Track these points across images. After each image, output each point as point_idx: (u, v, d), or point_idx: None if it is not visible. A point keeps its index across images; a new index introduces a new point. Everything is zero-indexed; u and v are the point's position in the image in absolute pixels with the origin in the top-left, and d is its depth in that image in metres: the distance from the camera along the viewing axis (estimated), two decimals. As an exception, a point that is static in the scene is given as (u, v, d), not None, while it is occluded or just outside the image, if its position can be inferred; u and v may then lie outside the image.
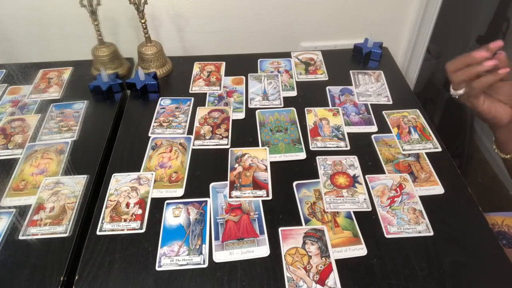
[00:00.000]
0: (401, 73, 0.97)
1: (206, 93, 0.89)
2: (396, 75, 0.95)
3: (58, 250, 0.59)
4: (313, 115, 0.83)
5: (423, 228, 0.61)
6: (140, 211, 0.64)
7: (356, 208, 0.64)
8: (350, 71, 0.95)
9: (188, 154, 0.74)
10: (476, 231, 0.61)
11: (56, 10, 0.96)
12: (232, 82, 0.92)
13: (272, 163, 0.72)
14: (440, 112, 1.72)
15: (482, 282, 0.55)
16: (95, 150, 0.75)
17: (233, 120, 0.81)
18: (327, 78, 0.94)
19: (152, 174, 0.70)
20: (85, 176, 0.70)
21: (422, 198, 0.66)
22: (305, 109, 0.84)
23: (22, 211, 0.65)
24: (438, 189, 0.67)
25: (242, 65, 0.97)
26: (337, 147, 0.75)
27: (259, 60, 0.99)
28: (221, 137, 0.78)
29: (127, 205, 0.65)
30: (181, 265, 0.57)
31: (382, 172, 0.70)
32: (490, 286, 0.55)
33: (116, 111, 0.85)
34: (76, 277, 0.56)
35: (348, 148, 0.75)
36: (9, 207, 0.65)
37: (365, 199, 0.65)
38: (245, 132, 0.79)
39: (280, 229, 0.61)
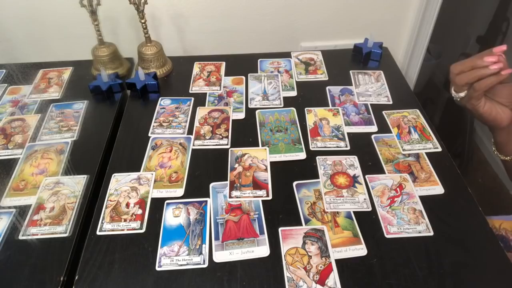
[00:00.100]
0: (401, 73, 0.97)
1: (206, 93, 0.89)
2: (396, 75, 0.95)
3: (58, 250, 0.59)
4: (313, 115, 0.83)
5: (423, 228, 0.61)
6: (140, 211, 0.64)
7: (356, 208, 0.64)
8: (350, 71, 0.95)
9: (188, 154, 0.74)
10: (476, 231, 0.61)
11: (56, 10, 0.96)
12: (232, 82, 0.92)
13: (272, 163, 0.72)
14: (440, 112, 1.72)
15: (482, 282, 0.55)
16: (95, 150, 0.75)
17: (233, 120, 0.81)
18: (327, 78, 0.94)
19: (152, 174, 0.70)
20: (85, 176, 0.70)
21: (422, 198, 0.66)
22: (305, 109, 0.84)
23: (22, 211, 0.65)
24: (438, 189, 0.67)
25: (242, 65, 0.97)
26: (337, 147, 0.75)
27: (259, 60, 0.99)
28: (221, 137, 0.78)
29: (127, 205, 0.65)
30: (181, 265, 0.57)
31: (382, 172, 0.70)
32: (490, 286, 0.55)
33: (116, 111, 0.85)
34: (76, 277, 0.56)
35: (348, 148, 0.75)
36: (9, 207, 0.65)
37: (365, 199, 0.65)
38: (245, 132, 0.79)
39: (280, 229, 0.61)
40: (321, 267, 0.56)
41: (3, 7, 0.96)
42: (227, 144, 0.76)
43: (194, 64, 0.98)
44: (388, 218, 0.63)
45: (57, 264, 0.57)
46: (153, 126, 0.80)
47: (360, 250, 0.58)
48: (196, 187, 0.68)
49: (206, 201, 0.66)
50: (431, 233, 0.60)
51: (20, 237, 0.61)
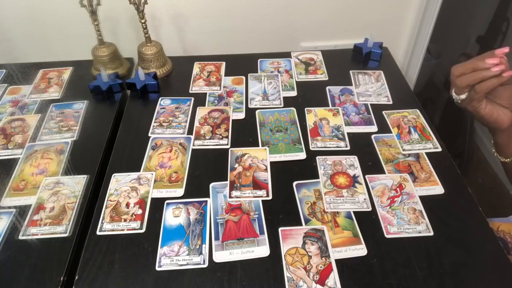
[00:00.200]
0: (401, 73, 0.97)
1: (206, 93, 0.89)
2: (396, 75, 0.95)
3: (58, 250, 0.59)
4: (313, 115, 0.83)
5: (423, 228, 0.61)
6: (140, 211, 0.64)
7: (356, 208, 0.64)
8: (350, 71, 0.95)
9: (188, 154, 0.74)
10: (476, 231, 0.61)
11: (56, 10, 0.96)
12: (232, 82, 0.92)
13: (272, 163, 0.72)
14: (440, 112, 1.73)
15: (482, 282, 0.55)
16: (95, 150, 0.75)
17: (233, 120, 0.81)
18: (327, 78, 0.94)
19: (152, 174, 0.70)
20: (85, 176, 0.70)
21: (422, 198, 0.66)
22: (305, 109, 0.84)
23: (22, 211, 0.65)
24: (438, 189, 0.67)
25: (242, 65, 0.97)
26: (337, 147, 0.75)
27: (259, 60, 0.99)
28: (221, 137, 0.78)
29: (127, 205, 0.65)
30: (181, 265, 0.57)
31: (382, 172, 0.70)
32: (490, 286, 0.55)
33: (116, 111, 0.85)
34: (76, 277, 0.56)
35: (348, 148, 0.75)
36: (9, 207, 0.65)
37: (365, 199, 0.65)
38: (245, 132, 0.79)
39: (280, 229, 0.61)
40: (321, 267, 0.56)
41: (3, 7, 0.96)
42: (227, 144, 0.76)
43: (194, 64, 0.98)
44: (388, 218, 0.63)
45: (57, 264, 0.57)
46: (153, 126, 0.80)
47: (360, 250, 0.58)
48: (196, 187, 0.68)
49: (206, 201, 0.66)
50: (431, 233, 0.60)
51: (20, 237, 0.61)
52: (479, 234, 0.61)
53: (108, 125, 0.81)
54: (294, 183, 0.68)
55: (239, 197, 0.66)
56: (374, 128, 0.79)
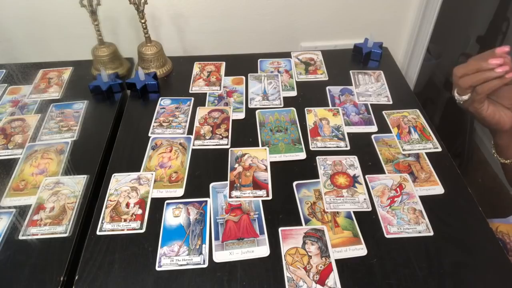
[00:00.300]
0: (401, 73, 0.97)
1: (206, 93, 0.89)
2: (396, 75, 0.95)
3: (58, 250, 0.59)
4: (313, 115, 0.83)
5: (423, 228, 0.61)
6: (140, 211, 0.64)
7: (356, 208, 0.64)
8: (350, 71, 0.95)
9: (188, 154, 0.74)
10: (476, 231, 0.61)
11: (56, 10, 0.96)
12: (232, 82, 0.92)
13: (272, 163, 0.72)
14: (440, 112, 1.72)
15: (482, 282, 0.55)
16: (95, 150, 0.75)
17: (233, 120, 0.81)
18: (327, 78, 0.94)
19: (152, 174, 0.70)
20: (85, 176, 0.70)
21: (422, 198, 0.66)
22: (305, 109, 0.84)
23: (22, 211, 0.65)
24: (438, 189, 0.67)
25: (242, 65, 0.97)
26: (337, 147, 0.75)
27: (259, 60, 0.99)
28: (221, 137, 0.78)
29: (127, 205, 0.65)
30: (181, 265, 0.57)
31: (382, 172, 0.70)
32: (490, 286, 0.55)
33: (116, 111, 0.85)
34: (76, 277, 0.56)
35: (348, 148, 0.75)
36: (9, 207, 0.65)
37: (365, 199, 0.65)
38: (245, 132, 0.79)
39: (280, 229, 0.61)
40: (321, 267, 0.56)
41: (3, 7, 0.96)
42: (227, 144, 0.76)
43: (194, 64, 0.98)
44: (388, 218, 0.63)
45: (57, 264, 0.57)
46: (153, 126, 0.80)
47: (360, 250, 0.58)
48: (196, 187, 0.68)
49: (206, 201, 0.66)
50: (431, 233, 0.60)
51: (20, 237, 0.61)
52: (479, 234, 0.61)
53: (108, 125, 0.81)
54: (294, 183, 0.68)
55: (239, 197, 0.66)
56: (374, 128, 0.79)
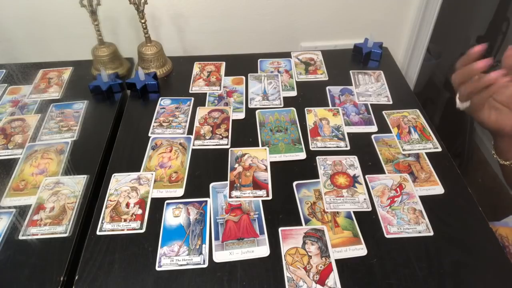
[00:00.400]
0: (401, 73, 0.97)
1: (206, 93, 0.89)
2: (396, 75, 0.95)
3: (58, 250, 0.59)
4: (313, 115, 0.83)
5: (423, 228, 0.61)
6: (140, 211, 0.64)
7: (356, 208, 0.64)
8: (350, 71, 0.95)
9: (188, 154, 0.74)
10: (476, 231, 0.61)
11: (56, 10, 0.96)
12: (232, 82, 0.92)
13: (272, 163, 0.72)
14: (440, 112, 1.72)
15: (482, 282, 0.55)
16: (95, 150, 0.75)
17: (233, 120, 0.81)
18: (327, 78, 0.94)
19: (152, 174, 0.70)
20: (85, 176, 0.70)
21: (422, 198, 0.66)
22: (305, 109, 0.84)
23: (22, 211, 0.65)
24: (438, 189, 0.67)
25: (242, 65, 0.97)
26: (337, 147, 0.75)
27: (259, 60, 0.99)
28: (221, 137, 0.78)
29: (127, 205, 0.65)
30: (181, 265, 0.57)
31: (382, 172, 0.70)
32: (490, 286, 0.55)
33: (116, 111, 0.85)
34: (76, 277, 0.56)
35: (348, 148, 0.75)
36: (9, 207, 0.65)
37: (365, 199, 0.65)
38: (245, 132, 0.79)
39: (280, 229, 0.61)
40: (321, 267, 0.56)
41: (3, 7, 0.96)
42: (227, 144, 0.76)
43: (194, 64, 0.98)
44: (388, 218, 0.63)
45: (57, 264, 0.57)
46: (153, 126, 0.80)
47: (360, 250, 0.58)
48: (196, 187, 0.68)
49: (206, 201, 0.66)
50: (431, 233, 0.60)
51: (20, 237, 0.61)
52: (479, 234, 0.61)
53: (108, 125, 0.81)
54: (294, 183, 0.68)
55: (239, 197, 0.66)
56: (374, 128, 0.79)
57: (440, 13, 1.04)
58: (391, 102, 0.86)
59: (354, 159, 0.73)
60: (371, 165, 0.72)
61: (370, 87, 0.90)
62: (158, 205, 0.65)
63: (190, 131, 0.79)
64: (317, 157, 0.73)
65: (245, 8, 1.02)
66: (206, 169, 0.71)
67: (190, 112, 0.84)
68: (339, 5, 1.03)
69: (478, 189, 1.56)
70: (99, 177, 0.71)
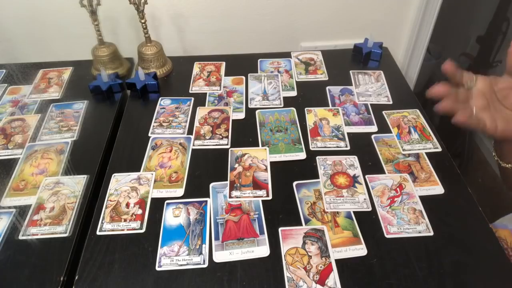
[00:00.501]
0: (401, 73, 0.97)
1: (206, 93, 0.89)
2: (396, 75, 0.95)
3: (58, 250, 0.59)
4: (313, 115, 0.83)
5: (423, 228, 0.61)
6: (140, 211, 0.64)
7: (356, 208, 0.64)
8: (350, 71, 0.95)
9: (188, 154, 0.74)
10: (476, 231, 0.61)
11: (56, 10, 0.96)
12: (232, 82, 0.92)
13: (272, 163, 0.72)
14: (440, 112, 1.72)
15: (482, 282, 0.55)
16: (95, 150, 0.75)
17: (233, 120, 0.81)
18: (327, 78, 0.94)
19: (152, 174, 0.70)
20: (85, 176, 0.70)
21: (422, 198, 0.66)
22: (305, 109, 0.84)
23: (22, 211, 0.65)
24: (438, 189, 0.67)
25: (242, 65, 0.97)
26: (337, 147, 0.75)
27: (259, 60, 0.99)
28: (221, 137, 0.78)
29: (127, 205, 0.65)
30: (181, 265, 0.57)
31: (382, 172, 0.70)
32: (490, 286, 0.55)
33: (116, 111, 0.85)
34: (76, 277, 0.56)
35: (348, 148, 0.75)
36: (9, 207, 0.65)
37: (365, 199, 0.65)
38: (245, 132, 0.79)
39: (280, 229, 0.61)
40: (321, 267, 0.56)
41: (3, 7, 0.96)
42: (227, 144, 0.76)
43: (194, 64, 0.98)
44: (388, 218, 0.63)
45: (57, 264, 0.57)
46: (153, 126, 0.80)
47: (360, 250, 0.58)
48: (196, 187, 0.68)
49: (206, 201, 0.66)
50: (431, 233, 0.60)
51: (20, 237, 0.61)
52: (479, 234, 0.61)
53: (108, 125, 0.81)
54: (294, 183, 0.68)
55: (239, 197, 0.66)
56: (374, 128, 0.79)
57: (440, 13, 1.04)
58: (391, 102, 0.86)
59: (354, 159, 0.73)
60: (371, 165, 0.72)
61: (370, 87, 0.90)
62: (158, 205, 0.65)
63: (190, 131, 0.79)
64: (317, 157, 0.73)
65: (245, 8, 1.02)
66: (206, 169, 0.71)
67: (190, 112, 0.84)
68: (339, 5, 1.03)
69: (478, 189, 1.56)
70: (99, 177, 0.71)
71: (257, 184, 0.68)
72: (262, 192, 0.67)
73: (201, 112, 0.84)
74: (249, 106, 0.85)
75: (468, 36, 1.78)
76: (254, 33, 1.07)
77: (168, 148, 0.75)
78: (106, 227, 0.62)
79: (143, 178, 0.69)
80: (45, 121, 0.82)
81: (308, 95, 0.88)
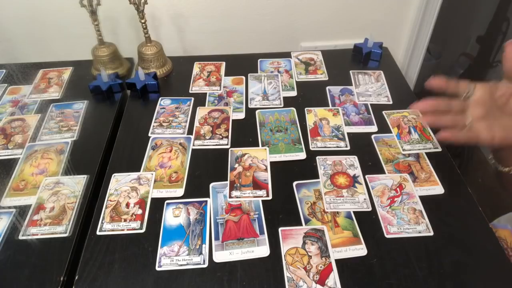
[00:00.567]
0: (401, 73, 0.97)
1: (206, 93, 0.89)
2: (396, 75, 0.95)
3: (58, 250, 0.59)
4: (313, 115, 0.83)
5: (423, 228, 0.61)
6: (140, 211, 0.64)
7: (356, 208, 0.64)
8: (350, 71, 0.95)
9: (188, 154, 0.74)
10: (476, 231, 0.61)
11: (56, 10, 0.96)
12: (232, 82, 0.92)
13: (272, 163, 0.72)
14: (440, 112, 1.72)
15: (482, 282, 0.55)
16: (95, 150, 0.75)
17: (233, 120, 0.81)
18: (327, 78, 0.94)
19: (152, 174, 0.70)
20: (85, 176, 0.70)
21: (422, 198, 0.66)
22: (305, 109, 0.84)
23: (22, 211, 0.65)
24: (438, 189, 0.67)
25: (242, 65, 0.97)
26: (337, 147, 0.75)
27: (259, 60, 0.99)
28: (221, 137, 0.78)
29: (127, 205, 0.65)
30: (181, 265, 0.57)
31: (382, 172, 0.70)
32: (490, 286, 0.55)
33: (116, 111, 0.85)
34: (76, 277, 0.56)
35: (348, 148, 0.75)
36: (9, 207, 0.65)
37: (365, 199, 0.65)
38: (245, 132, 0.79)
39: (280, 229, 0.61)
40: (321, 267, 0.56)
41: (3, 7, 0.96)
42: (227, 144, 0.76)
43: (194, 64, 0.98)
44: (388, 218, 0.63)
45: (57, 264, 0.57)
46: (153, 126, 0.80)
47: (360, 250, 0.58)
48: (196, 187, 0.68)
49: (206, 201, 0.66)
50: (431, 233, 0.60)
51: (20, 237, 0.61)
52: (479, 234, 0.61)
53: (108, 125, 0.81)
54: (294, 183, 0.68)
55: (239, 197, 0.66)
56: (374, 128, 0.79)
57: (440, 13, 1.04)
58: (391, 102, 0.86)
59: (354, 159, 0.73)
60: (371, 165, 0.72)
61: (370, 87, 0.90)
62: (158, 205, 0.65)
63: (190, 131, 0.79)
64: (317, 157, 0.73)
65: (245, 8, 1.02)
66: (206, 169, 0.71)
67: (190, 112, 0.84)
68: (339, 5, 1.03)
69: (478, 189, 1.55)
70: (99, 177, 0.71)
71: (257, 184, 0.68)
72: (262, 192, 0.67)
73: (201, 112, 0.84)
74: (249, 106, 0.85)
75: (468, 36, 1.78)
76: (254, 33, 1.07)
77: (168, 148, 0.75)
78: (106, 227, 0.62)
79: (143, 178, 0.69)
80: (45, 121, 0.82)
81: (308, 95, 0.88)
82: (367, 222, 0.62)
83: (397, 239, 0.60)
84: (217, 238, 0.60)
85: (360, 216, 0.63)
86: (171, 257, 0.58)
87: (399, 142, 0.76)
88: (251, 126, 0.80)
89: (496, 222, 0.79)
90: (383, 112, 0.83)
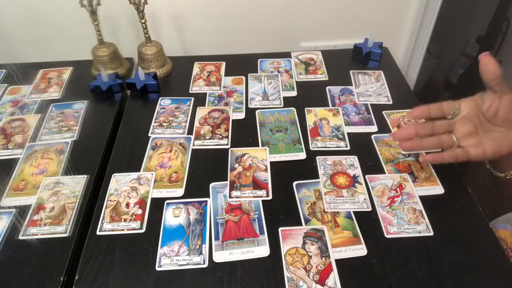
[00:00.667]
0: (401, 73, 0.97)
1: (206, 93, 0.89)
2: (396, 75, 0.95)
3: (58, 250, 0.59)
4: (313, 115, 0.83)
5: (423, 228, 0.61)
6: (140, 211, 0.64)
7: (356, 208, 0.64)
8: (350, 71, 0.95)
9: (188, 154, 0.74)
10: (476, 231, 0.61)
11: (56, 10, 0.96)
12: (232, 82, 0.92)
13: (272, 163, 0.72)
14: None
15: (482, 282, 0.55)
16: (95, 150, 0.75)
17: (233, 120, 0.81)
18: (327, 78, 0.94)
19: (152, 174, 0.70)
20: (85, 176, 0.70)
21: (422, 198, 0.66)
22: (305, 109, 0.84)
23: (22, 211, 0.65)
24: (438, 189, 0.67)
25: (242, 65, 0.97)
26: (337, 147, 0.75)
27: (259, 60, 0.99)
28: (221, 137, 0.78)
29: (127, 205, 0.65)
30: (181, 265, 0.57)
31: (382, 172, 0.70)
32: (490, 286, 0.55)
33: (116, 111, 0.85)
34: (76, 277, 0.56)
35: (348, 148, 0.75)
36: (9, 207, 0.65)
37: (365, 199, 0.65)
38: (245, 132, 0.79)
39: (280, 229, 0.61)
40: (321, 267, 0.56)
41: (3, 7, 0.96)
42: (227, 144, 0.76)
43: (194, 64, 0.98)
44: (388, 218, 0.63)
45: (57, 264, 0.57)
46: (153, 126, 0.80)
47: (360, 250, 0.58)
48: (196, 187, 0.68)
49: (206, 201, 0.66)
50: (431, 233, 0.60)
51: (20, 237, 0.61)
52: (479, 234, 0.61)
53: (108, 125, 0.81)
54: (294, 183, 0.68)
55: (239, 197, 0.66)
56: (374, 128, 0.79)
57: (440, 13, 1.04)
58: (391, 102, 0.86)
59: (354, 159, 0.73)
60: (371, 165, 0.72)
61: (370, 87, 0.90)
62: (158, 205, 0.65)
63: (190, 131, 0.79)
64: (317, 157, 0.73)
65: (245, 8, 1.02)
66: (206, 169, 0.71)
67: (190, 112, 0.84)
68: (339, 5, 1.03)
69: (478, 189, 1.55)
70: (99, 177, 0.71)
71: (257, 184, 0.68)
72: (262, 192, 0.67)
73: (201, 112, 0.84)
74: (249, 106, 0.85)
75: (468, 36, 1.78)
76: (254, 33, 1.07)
77: (168, 148, 0.75)
78: (106, 227, 0.62)
79: (143, 178, 0.69)
80: (45, 121, 0.82)
81: (308, 95, 0.88)
82: (367, 222, 0.62)
83: (397, 239, 0.60)
84: (217, 238, 0.60)
85: (360, 216, 0.63)
86: (171, 257, 0.58)
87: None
88: (251, 126, 0.80)
89: (496, 222, 0.79)
90: (383, 112, 0.83)
